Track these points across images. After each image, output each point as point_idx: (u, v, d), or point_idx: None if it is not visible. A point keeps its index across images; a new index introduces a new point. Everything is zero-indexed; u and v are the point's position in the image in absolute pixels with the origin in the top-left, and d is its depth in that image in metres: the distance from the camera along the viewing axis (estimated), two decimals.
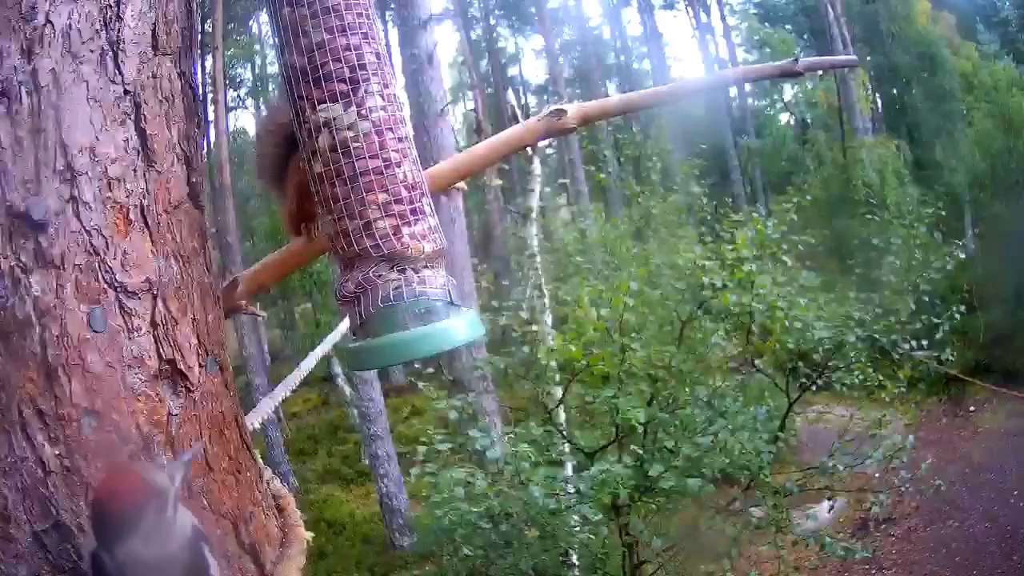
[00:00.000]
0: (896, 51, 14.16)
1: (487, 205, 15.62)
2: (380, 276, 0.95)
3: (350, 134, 0.95)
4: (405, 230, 0.96)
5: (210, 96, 10.43)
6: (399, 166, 0.97)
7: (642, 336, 5.07)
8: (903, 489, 5.39)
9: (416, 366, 6.55)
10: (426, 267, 0.97)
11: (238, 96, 17.12)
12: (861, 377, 5.27)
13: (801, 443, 6.17)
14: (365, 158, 0.95)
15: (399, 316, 0.94)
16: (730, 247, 5.02)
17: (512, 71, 22.13)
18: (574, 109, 1.47)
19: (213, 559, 0.80)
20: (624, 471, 4.26)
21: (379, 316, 0.95)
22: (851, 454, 5.08)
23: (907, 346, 5.31)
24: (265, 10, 1.00)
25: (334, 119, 0.95)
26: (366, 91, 0.96)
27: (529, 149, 5.69)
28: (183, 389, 0.94)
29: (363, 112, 0.95)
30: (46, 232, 0.83)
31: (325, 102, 0.95)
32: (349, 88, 0.95)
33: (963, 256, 5.94)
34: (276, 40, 0.98)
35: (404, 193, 0.97)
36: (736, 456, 4.48)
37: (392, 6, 11.52)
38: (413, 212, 0.97)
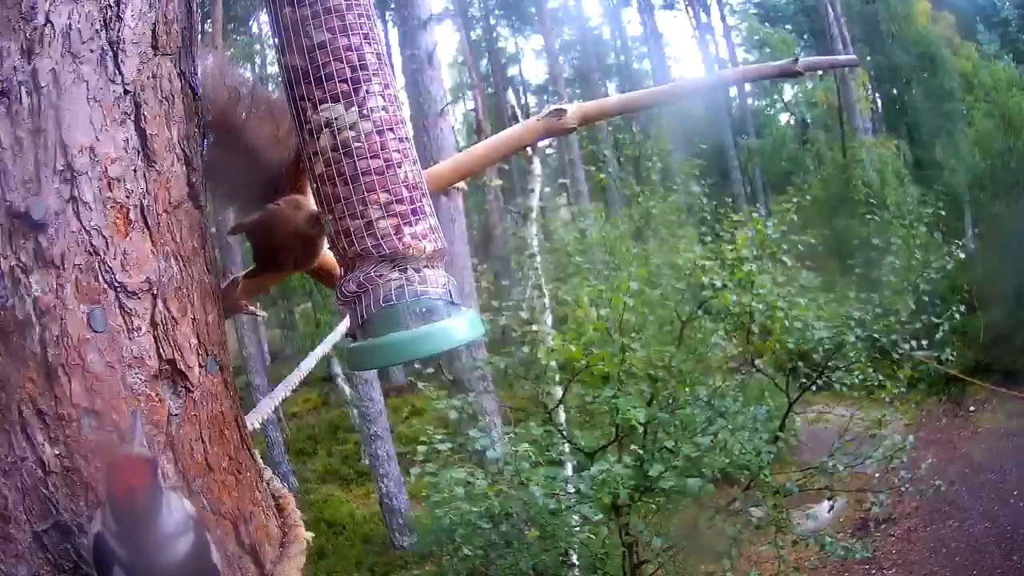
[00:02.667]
0: (896, 51, 14.15)
1: (487, 205, 15.61)
2: (381, 276, 0.95)
3: (351, 134, 0.95)
4: (406, 230, 0.96)
5: None
6: (400, 166, 0.97)
7: (642, 336, 5.07)
8: (903, 489, 5.39)
9: (416, 366, 6.55)
10: (427, 267, 0.97)
11: None
12: (861, 377, 5.27)
13: (801, 443, 6.15)
14: (367, 158, 0.95)
15: (400, 315, 0.94)
16: (730, 247, 5.03)
17: (512, 71, 22.14)
18: (574, 109, 1.47)
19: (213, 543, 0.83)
20: (624, 471, 4.26)
21: (380, 316, 0.94)
22: (851, 454, 5.08)
23: (907, 346, 5.30)
24: (265, 10, 1.00)
25: (335, 119, 0.95)
26: (367, 91, 0.96)
27: (529, 149, 5.70)
28: (183, 389, 0.93)
29: (364, 112, 0.95)
30: (46, 232, 0.83)
31: (327, 102, 0.95)
32: (351, 88, 0.95)
33: (963, 256, 5.94)
34: (276, 40, 0.98)
35: (405, 193, 0.97)
36: (736, 456, 4.49)
37: (392, 6, 11.53)
38: (414, 212, 0.97)
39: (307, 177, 1.02)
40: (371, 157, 0.95)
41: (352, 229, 0.95)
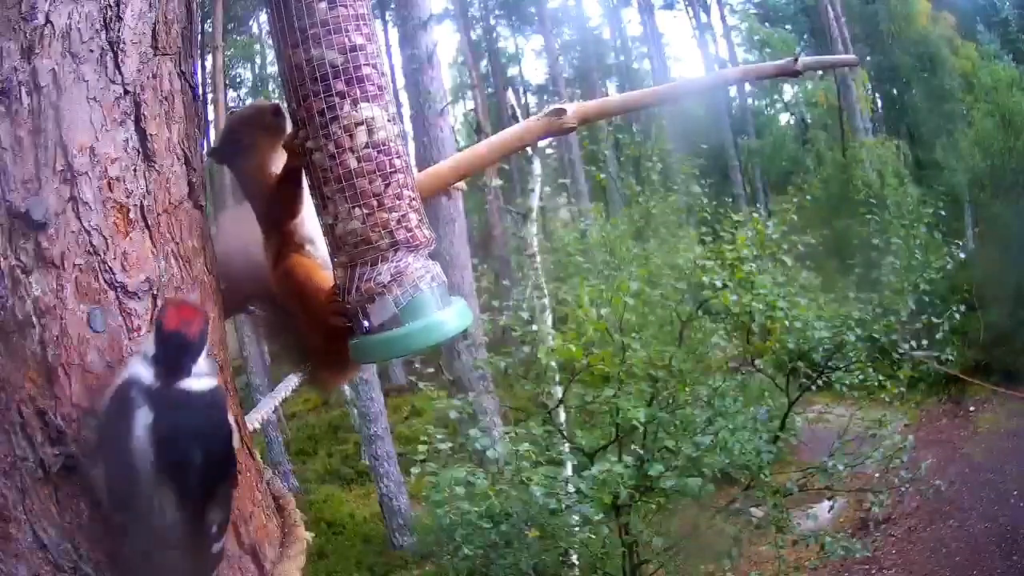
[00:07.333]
0: (896, 51, 14.13)
1: (487, 205, 15.59)
2: (408, 265, 1.03)
3: (383, 135, 1.02)
4: (423, 222, 1.06)
5: (210, 96, 10.41)
6: (410, 166, 1.07)
7: (642, 336, 5.06)
8: (903, 489, 5.39)
9: (416, 365, 6.55)
10: (428, 255, 1.06)
11: (238, 96, 17.07)
12: (861, 377, 5.26)
13: (801, 443, 6.15)
14: (400, 156, 1.04)
15: (432, 300, 1.02)
16: (730, 247, 5.02)
17: (512, 71, 22.08)
18: (574, 109, 1.47)
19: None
20: (624, 471, 4.26)
21: (415, 301, 1.02)
22: (851, 454, 5.08)
23: (907, 346, 5.30)
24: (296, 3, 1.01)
25: (372, 118, 1.02)
26: (389, 99, 1.05)
27: (529, 149, 5.70)
28: None
29: (390, 116, 1.04)
30: (46, 232, 0.83)
31: (364, 101, 1.01)
32: (380, 92, 1.04)
33: (963, 256, 5.94)
34: (308, 34, 0.99)
35: (416, 190, 1.08)
36: (736, 456, 4.48)
37: (392, 6, 11.53)
38: (421, 206, 1.08)
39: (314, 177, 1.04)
40: (397, 156, 1.03)
41: (388, 221, 1.02)
